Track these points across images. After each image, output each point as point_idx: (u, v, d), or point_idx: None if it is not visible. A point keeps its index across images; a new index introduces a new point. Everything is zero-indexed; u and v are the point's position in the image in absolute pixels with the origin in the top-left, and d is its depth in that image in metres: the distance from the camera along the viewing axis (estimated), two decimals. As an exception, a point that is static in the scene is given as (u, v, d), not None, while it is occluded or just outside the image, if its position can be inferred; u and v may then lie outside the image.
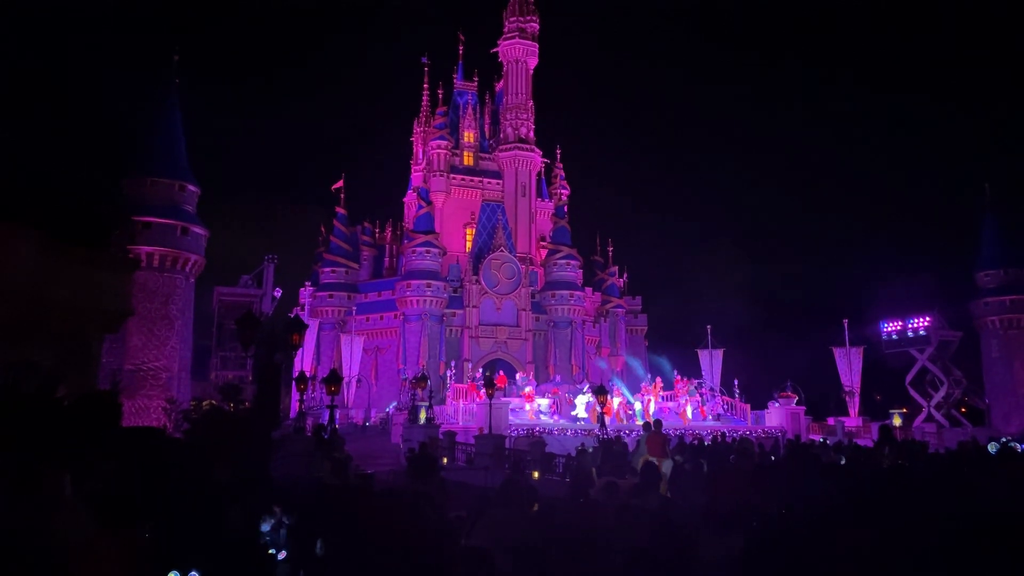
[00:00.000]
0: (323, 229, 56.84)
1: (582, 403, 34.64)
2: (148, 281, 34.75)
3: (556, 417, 35.09)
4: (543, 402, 35.60)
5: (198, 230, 37.68)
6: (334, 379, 22.70)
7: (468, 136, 57.03)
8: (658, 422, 14.32)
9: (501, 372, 38.63)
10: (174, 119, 39.00)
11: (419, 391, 34.55)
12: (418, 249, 49.29)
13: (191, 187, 37.99)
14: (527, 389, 36.13)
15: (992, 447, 13.19)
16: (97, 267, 11.13)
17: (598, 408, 29.44)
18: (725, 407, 38.49)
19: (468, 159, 56.55)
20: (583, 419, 33.79)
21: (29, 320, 9.73)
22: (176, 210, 36.96)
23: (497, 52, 56.91)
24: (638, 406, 35.48)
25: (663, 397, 37.68)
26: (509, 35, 55.96)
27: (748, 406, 38.08)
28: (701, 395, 38.49)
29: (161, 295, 36.05)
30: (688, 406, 36.16)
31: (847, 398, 46.66)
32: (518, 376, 40.03)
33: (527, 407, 34.87)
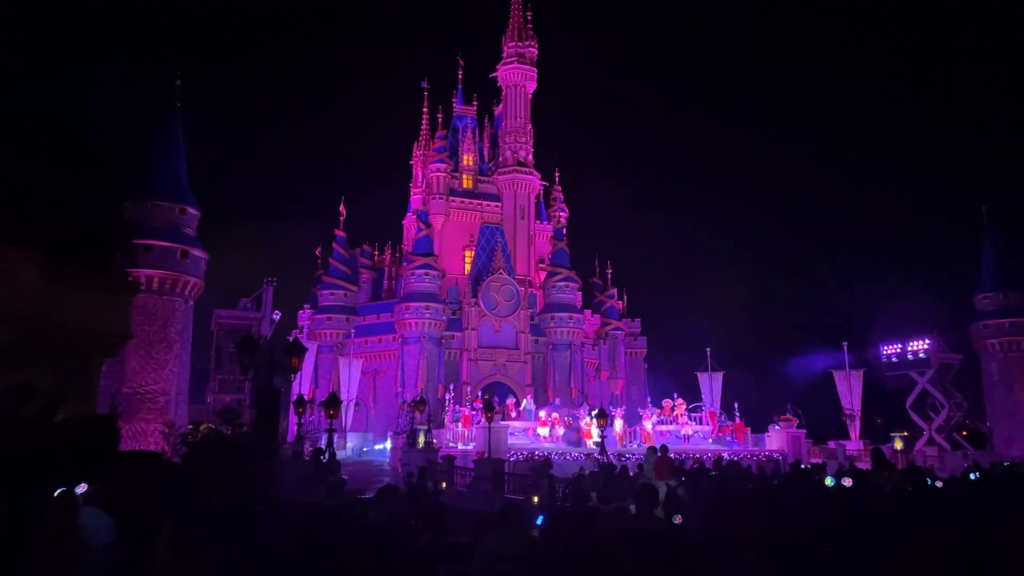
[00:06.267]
0: (321, 252, 56.93)
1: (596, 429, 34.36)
2: (147, 304, 34.71)
3: (557, 441, 34.87)
4: (559, 430, 35.16)
5: (198, 253, 37.74)
6: (333, 402, 22.59)
7: (467, 159, 57.40)
8: (664, 447, 14.24)
9: (510, 399, 39.18)
10: (176, 142, 39.24)
11: (417, 414, 34.38)
12: (417, 271, 49.33)
13: (192, 210, 38.12)
14: (541, 414, 36.03)
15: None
16: (98, 290, 11.14)
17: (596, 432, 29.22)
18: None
19: (467, 182, 56.85)
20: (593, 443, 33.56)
21: (30, 343, 9.71)
22: (176, 233, 37.06)
23: (496, 77, 57.52)
24: (618, 423, 35.06)
25: (660, 420, 37.46)
26: (508, 60, 56.60)
27: (748, 429, 37.88)
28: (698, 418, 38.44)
29: (160, 318, 35.99)
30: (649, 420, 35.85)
31: (848, 421, 46.43)
32: (524, 401, 39.88)
33: (541, 432, 34.63)
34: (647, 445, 29.11)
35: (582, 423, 34.96)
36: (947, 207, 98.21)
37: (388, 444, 41.66)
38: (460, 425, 35.86)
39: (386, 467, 36.55)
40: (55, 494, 6.04)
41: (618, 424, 35.03)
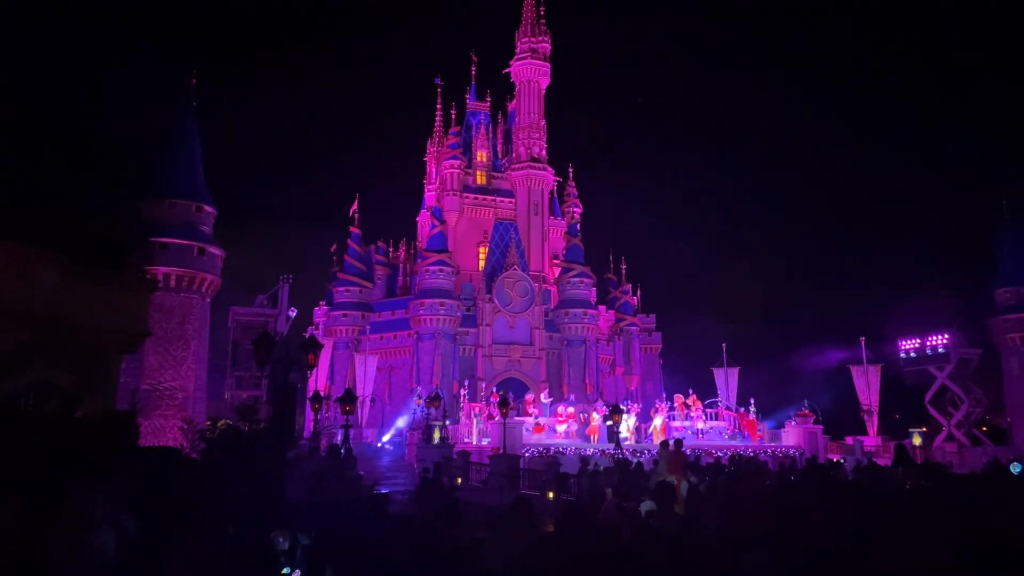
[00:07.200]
0: (336, 249, 57.18)
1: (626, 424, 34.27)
2: (165, 301, 35.06)
3: (572, 437, 34.86)
4: (574, 426, 35.17)
5: (214, 250, 38.04)
6: (349, 398, 22.74)
7: (481, 156, 57.40)
8: (678, 441, 14.18)
9: (529, 395, 39.50)
10: (192, 141, 39.55)
11: (433, 410, 34.50)
12: (431, 268, 49.45)
13: (208, 208, 38.41)
14: (559, 410, 36.05)
15: (1015, 467, 12.96)
16: (116, 288, 11.27)
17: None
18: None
19: (481, 178, 56.88)
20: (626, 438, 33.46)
21: (49, 342, 9.85)
22: (193, 231, 37.36)
23: (509, 73, 57.45)
24: (631, 419, 34.91)
25: (672, 415, 37.31)
26: (521, 56, 56.51)
27: (764, 425, 37.67)
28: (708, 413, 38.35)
29: (178, 315, 36.33)
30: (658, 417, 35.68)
31: (865, 417, 46.06)
32: (542, 396, 39.90)
33: (559, 429, 34.63)
34: (659, 440, 29.06)
35: (591, 419, 34.98)
36: (966, 200, 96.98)
37: (388, 436, 42.78)
38: (479, 421, 35.98)
39: (401, 462, 36.65)
40: (75, 489, 6.12)
41: (631, 420, 34.94)
